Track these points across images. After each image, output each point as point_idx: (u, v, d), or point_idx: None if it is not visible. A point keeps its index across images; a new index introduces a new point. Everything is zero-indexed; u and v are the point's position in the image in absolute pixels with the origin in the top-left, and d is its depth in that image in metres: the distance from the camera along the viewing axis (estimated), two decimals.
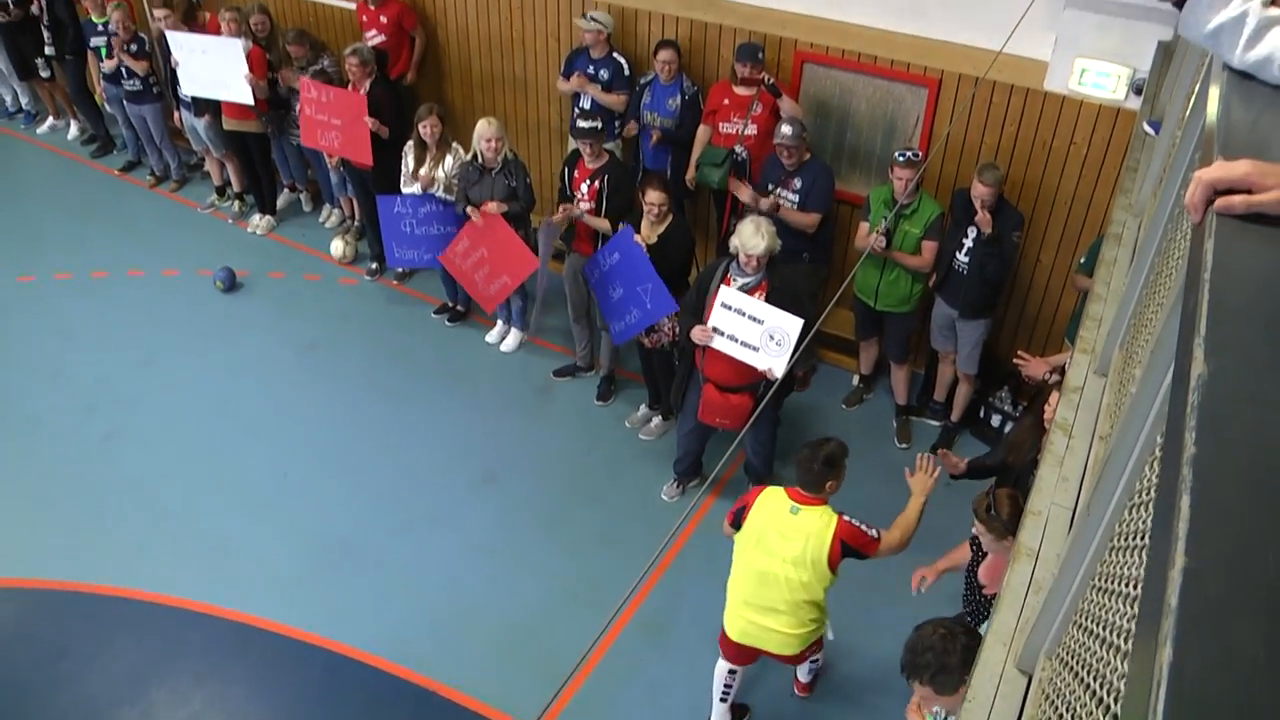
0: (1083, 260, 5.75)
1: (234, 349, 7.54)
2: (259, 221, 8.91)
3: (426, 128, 6.81)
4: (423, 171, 6.94)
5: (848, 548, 4.23)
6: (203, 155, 9.10)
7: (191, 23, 8.29)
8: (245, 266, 8.36)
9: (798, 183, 6.25)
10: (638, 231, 5.96)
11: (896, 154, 5.86)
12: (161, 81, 8.80)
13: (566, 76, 7.21)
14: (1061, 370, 4.52)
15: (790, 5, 6.61)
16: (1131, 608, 1.31)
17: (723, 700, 4.92)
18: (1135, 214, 4.19)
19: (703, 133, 6.83)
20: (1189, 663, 0.73)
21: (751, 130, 6.57)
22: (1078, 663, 1.73)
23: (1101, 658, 1.47)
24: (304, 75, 7.48)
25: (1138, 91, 5.51)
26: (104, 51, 8.66)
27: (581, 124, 6.27)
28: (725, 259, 5.49)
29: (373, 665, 5.31)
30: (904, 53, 6.28)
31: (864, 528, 4.24)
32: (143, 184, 9.60)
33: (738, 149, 6.59)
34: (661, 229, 5.97)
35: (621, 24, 7.19)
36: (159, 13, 8.07)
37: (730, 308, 5.27)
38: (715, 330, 5.32)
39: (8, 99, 10.71)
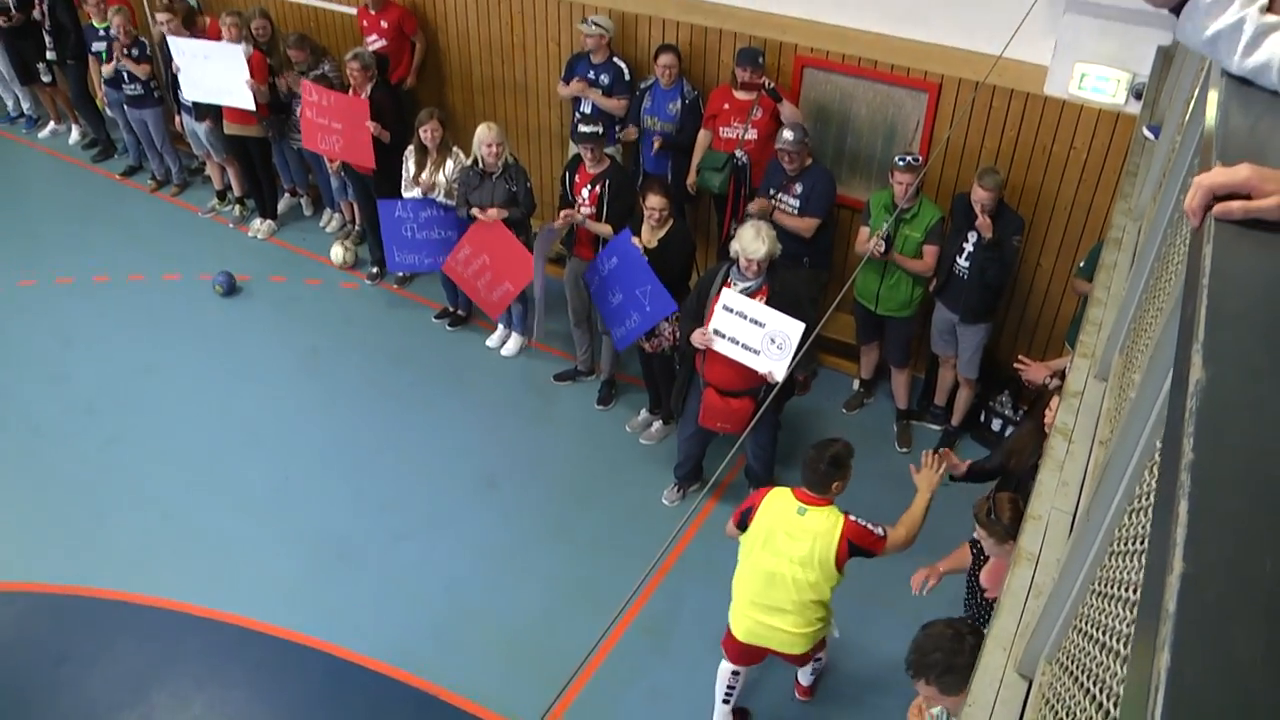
0: (1082, 264, 5.76)
1: (235, 353, 7.54)
2: (260, 226, 8.91)
3: (427, 132, 6.82)
4: (423, 176, 6.95)
5: (855, 547, 4.26)
6: (204, 159, 9.11)
7: (192, 27, 8.30)
8: (246, 271, 8.37)
9: (799, 188, 6.25)
10: (638, 236, 5.97)
11: (897, 158, 5.86)
12: (162, 86, 8.81)
13: (567, 81, 7.22)
14: (1062, 375, 4.53)
15: (791, 10, 6.62)
16: (1131, 612, 1.31)
17: (725, 702, 4.92)
18: (1135, 218, 4.20)
19: (703, 137, 6.84)
20: (1187, 668, 0.73)
21: (752, 135, 6.58)
22: (1078, 667, 1.73)
23: (1101, 662, 1.47)
24: (305, 79, 7.49)
25: (1138, 96, 5.51)
26: (105, 56, 8.67)
27: (583, 129, 6.28)
28: (726, 263, 5.50)
29: (373, 669, 5.31)
30: (904, 57, 6.29)
31: (870, 527, 4.27)
32: (144, 188, 9.61)
33: (738, 154, 6.60)
34: (662, 233, 5.97)
35: (622, 29, 7.20)
36: (161, 17, 8.08)
37: (732, 310, 5.27)
38: (716, 332, 5.33)
39: (9, 103, 10.72)
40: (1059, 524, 2.78)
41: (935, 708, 3.51)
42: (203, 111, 8.27)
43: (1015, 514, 3.71)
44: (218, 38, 7.91)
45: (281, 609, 5.59)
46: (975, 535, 4.09)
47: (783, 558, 4.32)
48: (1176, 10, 1.65)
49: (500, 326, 7.57)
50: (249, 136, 8.33)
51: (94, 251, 8.67)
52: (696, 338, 5.38)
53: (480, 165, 6.60)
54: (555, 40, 7.62)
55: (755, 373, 5.29)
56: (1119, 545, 1.62)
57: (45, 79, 9.91)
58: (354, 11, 8.28)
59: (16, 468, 6.56)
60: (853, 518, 4.28)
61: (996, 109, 6.09)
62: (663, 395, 6.56)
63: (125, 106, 8.95)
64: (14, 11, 9.37)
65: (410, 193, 7.08)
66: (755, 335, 5.23)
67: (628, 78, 7.04)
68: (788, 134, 6.11)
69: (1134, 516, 1.55)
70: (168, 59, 8.12)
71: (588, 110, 7.04)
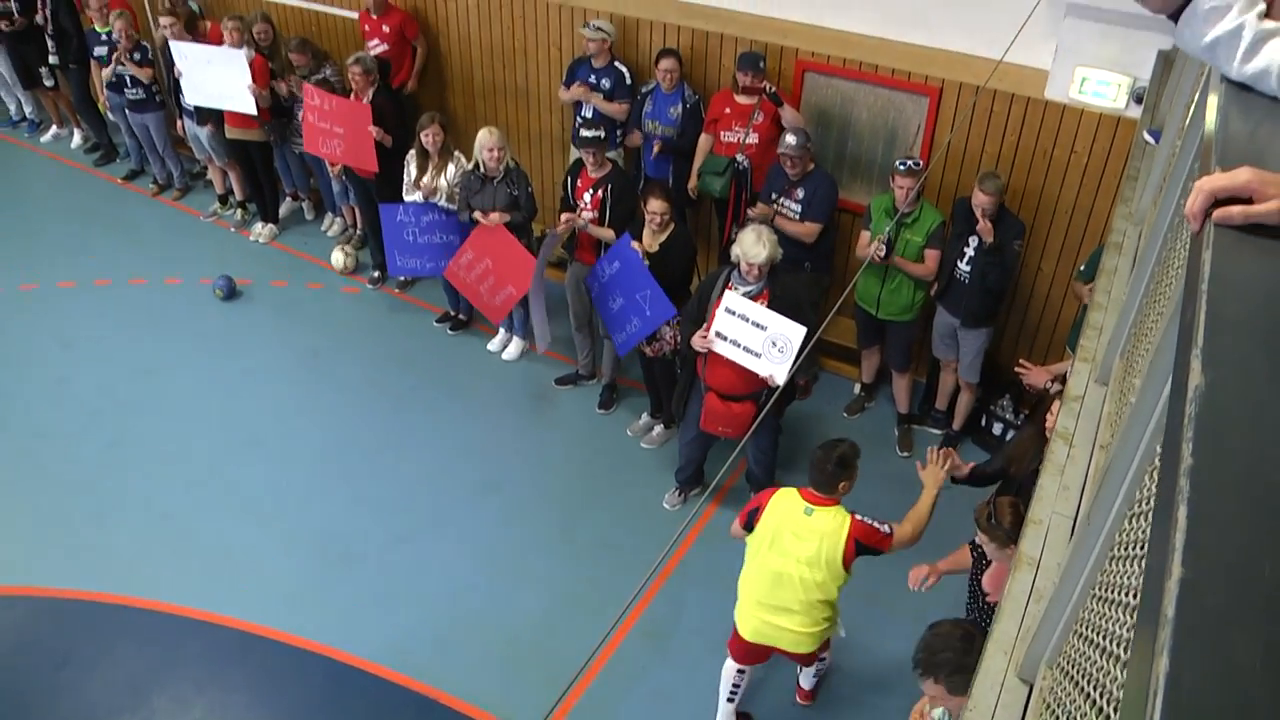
0: (1082, 268, 5.76)
1: (236, 357, 7.55)
2: (261, 230, 8.92)
3: (428, 136, 6.83)
4: (425, 180, 6.95)
5: (862, 546, 4.29)
6: (205, 164, 9.12)
7: (193, 32, 8.32)
8: (247, 275, 8.38)
9: (801, 193, 6.26)
10: (639, 241, 5.97)
11: (897, 163, 5.87)
12: (164, 90, 8.82)
13: (568, 86, 7.23)
14: (1063, 379, 4.53)
15: (791, 14, 6.64)
16: (1130, 617, 1.32)
17: (729, 700, 4.94)
18: (1136, 223, 4.20)
19: (704, 141, 6.84)
20: (1186, 673, 0.73)
21: (753, 139, 6.58)
22: (1078, 672, 1.73)
23: (1102, 667, 1.47)
24: (307, 82, 7.50)
25: (1138, 100, 5.52)
26: (106, 60, 8.68)
27: (585, 133, 6.28)
28: (727, 267, 5.50)
29: (374, 673, 5.31)
30: (905, 61, 6.30)
31: (876, 525, 4.30)
32: (145, 192, 9.62)
33: (739, 158, 6.61)
34: (663, 238, 5.98)
35: (623, 33, 7.21)
36: (164, 20, 8.09)
37: (734, 313, 5.28)
38: (718, 335, 5.33)
39: (11, 108, 10.74)
40: (1060, 528, 2.78)
41: (937, 709, 3.51)
42: (204, 116, 8.29)
43: (1016, 518, 3.71)
44: (219, 42, 7.92)
45: (282, 612, 5.59)
46: (977, 540, 4.09)
47: (790, 558, 4.35)
48: (1175, 16, 1.66)
49: (501, 331, 7.57)
50: (251, 141, 8.34)
51: (96, 255, 8.69)
52: (696, 341, 5.39)
53: (481, 170, 6.61)
54: (556, 45, 7.64)
55: (756, 377, 5.30)
56: (1119, 550, 1.62)
57: (48, 83, 9.93)
58: (355, 16, 8.30)
59: (17, 470, 6.56)
60: (859, 517, 4.31)
61: (997, 113, 6.10)
62: (664, 399, 6.57)
63: (127, 111, 8.96)
64: (17, 16, 9.39)
65: (411, 196, 7.09)
66: (757, 338, 5.23)
67: (629, 82, 7.05)
68: (790, 139, 6.11)
69: (1134, 521, 1.55)
70: (169, 63, 8.13)
71: (589, 115, 7.05)
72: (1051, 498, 2.89)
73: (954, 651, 3.15)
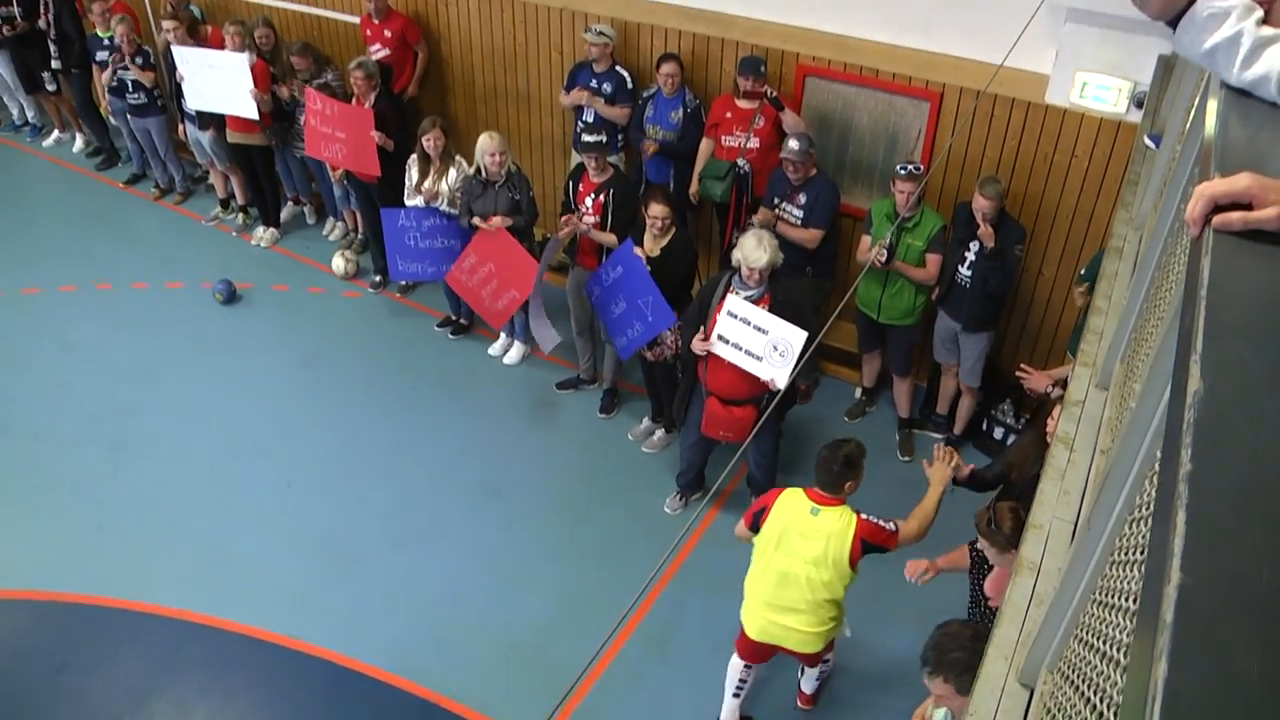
0: (1083, 272, 5.77)
1: (237, 361, 7.55)
2: (263, 234, 8.93)
3: (430, 141, 6.83)
4: (426, 184, 6.95)
5: (868, 545, 4.32)
6: (207, 168, 9.13)
7: (195, 36, 8.32)
8: (249, 279, 8.39)
9: (803, 198, 6.25)
10: (640, 245, 5.97)
11: (898, 167, 5.87)
12: (166, 95, 8.84)
13: (569, 90, 7.24)
14: (1064, 383, 4.53)
15: (792, 19, 6.64)
16: (1130, 622, 1.32)
17: (735, 696, 4.96)
18: (1136, 227, 4.20)
19: (705, 146, 6.85)
20: (1184, 678, 0.73)
21: (754, 144, 6.59)
22: (1079, 677, 1.73)
23: (1102, 672, 1.47)
24: (309, 86, 7.51)
25: (1139, 105, 5.52)
26: (108, 65, 8.70)
27: (586, 138, 6.29)
28: (728, 272, 5.51)
29: (375, 677, 5.31)
30: (906, 66, 6.30)
31: (882, 523, 4.33)
32: (147, 197, 9.63)
33: (740, 162, 6.61)
34: (664, 242, 5.98)
35: (624, 37, 7.22)
36: (167, 24, 8.10)
37: (736, 316, 5.29)
38: (720, 338, 5.34)
39: (14, 112, 10.76)
40: (1061, 533, 2.78)
41: (940, 710, 3.51)
42: (206, 120, 8.30)
43: (1016, 523, 3.72)
44: (220, 47, 7.94)
45: (283, 616, 5.60)
46: (978, 545, 4.10)
47: (796, 558, 4.37)
48: (1174, 23, 1.66)
49: (503, 335, 7.58)
50: (252, 145, 8.35)
51: (97, 259, 8.70)
52: (696, 344, 5.40)
53: (483, 174, 6.61)
54: (557, 49, 7.64)
55: (757, 381, 5.30)
56: (1120, 555, 1.62)
57: (50, 88, 9.94)
58: (357, 21, 8.31)
59: (18, 473, 6.57)
60: (865, 515, 4.34)
61: (998, 118, 6.10)
62: (665, 403, 6.57)
63: (129, 115, 8.98)
64: (19, 20, 9.41)
65: (413, 201, 7.10)
66: (759, 342, 5.24)
67: (630, 86, 7.06)
68: (793, 144, 6.11)
69: (1134, 526, 1.55)
70: (171, 67, 8.14)
71: (590, 119, 7.06)
72: (1052, 502, 2.89)
73: (965, 651, 3.15)
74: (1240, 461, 0.93)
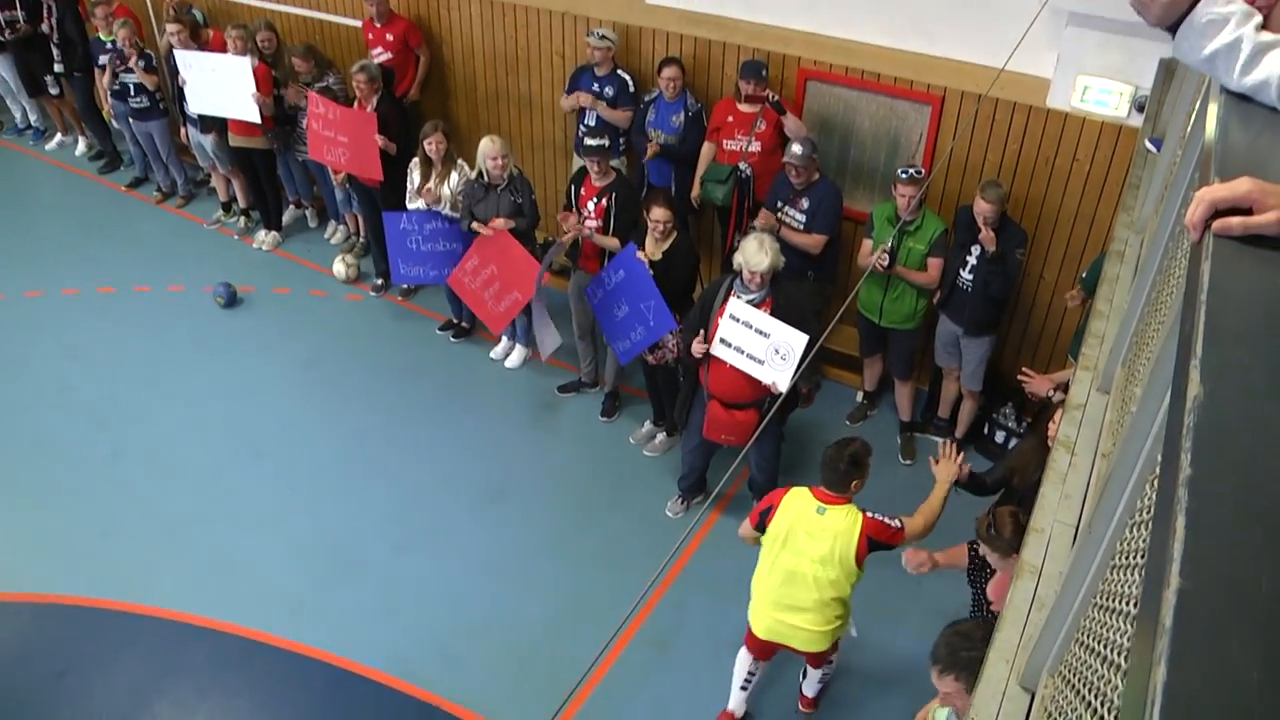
0: (1084, 276, 5.77)
1: (239, 364, 7.56)
2: (264, 237, 8.94)
3: (432, 144, 6.84)
4: (429, 185, 6.95)
5: (874, 542, 4.35)
6: (209, 171, 9.14)
7: (196, 40, 8.33)
8: (251, 282, 8.39)
9: (805, 202, 6.25)
10: (642, 248, 5.98)
11: (899, 171, 5.87)
12: (168, 98, 8.85)
13: (570, 94, 7.24)
14: (1065, 387, 4.53)
15: (794, 23, 6.65)
16: (1130, 626, 1.32)
17: (743, 689, 4.99)
18: (1137, 231, 4.20)
19: (707, 150, 6.85)
20: (1183, 683, 0.74)
21: (755, 147, 6.59)
22: (1080, 681, 1.73)
23: (1103, 676, 1.47)
24: (310, 90, 7.52)
25: (1140, 109, 5.52)
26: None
27: (589, 142, 6.29)
28: (729, 276, 5.51)
29: (377, 681, 5.31)
30: (907, 70, 6.31)
31: (887, 520, 4.35)
32: (149, 200, 9.65)
33: (742, 166, 6.62)
34: (666, 246, 5.99)
35: (626, 41, 7.23)
36: (171, 28, 8.11)
37: (738, 320, 5.29)
38: (722, 342, 5.34)
39: (17, 116, 10.77)
40: (1062, 537, 2.79)
41: (943, 710, 3.51)
42: (208, 124, 8.31)
43: (1016, 528, 3.72)
44: (222, 50, 7.95)
45: (284, 619, 5.60)
46: (980, 550, 4.10)
47: (803, 557, 4.40)
48: (1173, 29, 1.66)
49: (504, 338, 7.58)
50: (254, 148, 8.36)
51: (99, 263, 8.71)
52: (695, 346, 5.40)
53: (485, 178, 6.61)
54: (559, 53, 7.65)
55: (759, 385, 5.30)
56: (1120, 559, 1.62)
57: (53, 91, 9.96)
58: (359, 24, 8.32)
59: (21, 478, 6.57)
60: (870, 513, 4.37)
61: (999, 121, 6.11)
62: (666, 407, 6.57)
63: (131, 119, 8.99)
64: (22, 23, 9.43)
65: (414, 204, 7.10)
66: (760, 345, 5.24)
67: (632, 90, 7.06)
68: (796, 148, 6.11)
69: (1135, 530, 1.55)
70: (174, 71, 8.15)
71: (592, 123, 7.07)
72: (1054, 506, 2.89)
73: (977, 650, 3.15)
74: (1240, 466, 0.93)
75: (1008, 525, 3.79)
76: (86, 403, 7.18)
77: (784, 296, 5.35)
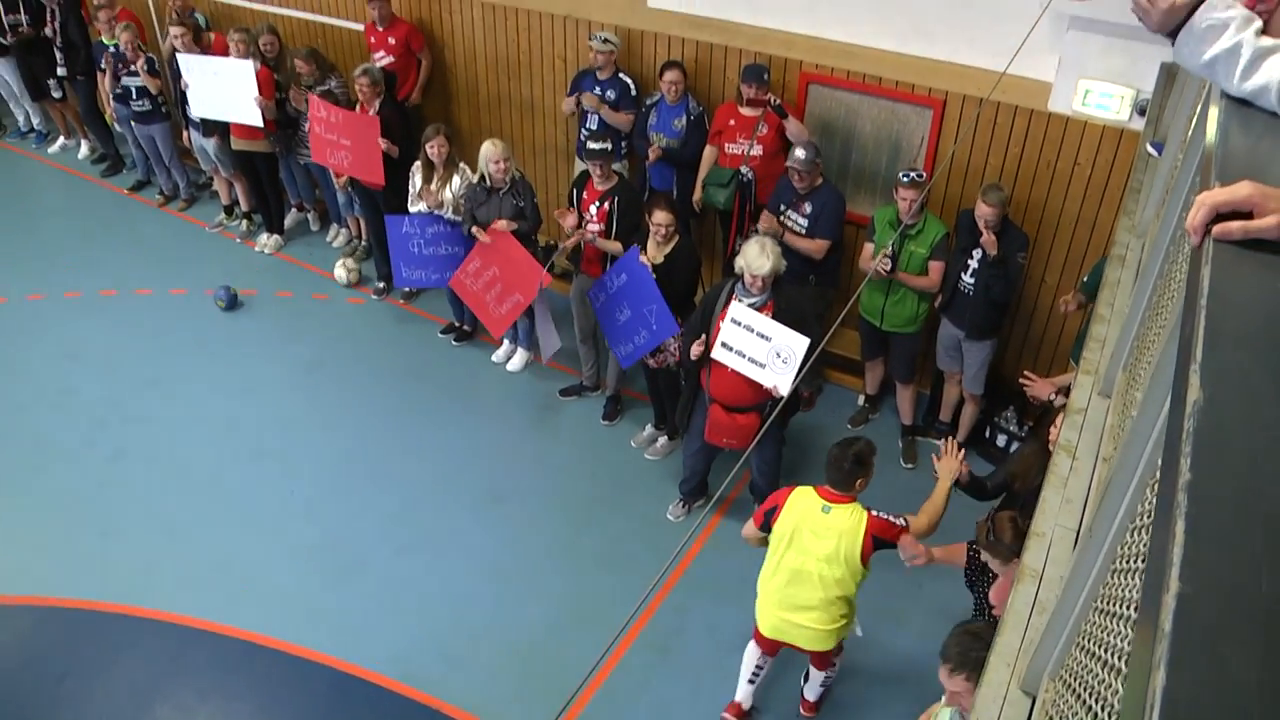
0: (1085, 280, 5.77)
1: (240, 367, 7.56)
2: (267, 240, 8.95)
3: (433, 148, 6.84)
4: (431, 188, 6.96)
5: (879, 541, 4.37)
6: (211, 175, 9.15)
7: (198, 44, 8.34)
8: (253, 285, 8.40)
9: (808, 207, 6.25)
10: (644, 252, 5.98)
11: (901, 175, 5.87)
12: (170, 101, 8.87)
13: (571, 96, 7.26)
14: (1067, 391, 4.53)
15: (795, 26, 6.65)
16: (1130, 630, 1.32)
17: (750, 682, 5.01)
18: (1138, 235, 4.20)
19: (709, 153, 6.86)
20: (1182, 687, 0.74)
21: (757, 151, 6.60)
22: (1080, 685, 1.73)
23: (1103, 680, 1.47)
24: (311, 93, 7.53)
25: (1141, 112, 5.52)
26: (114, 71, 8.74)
27: (592, 145, 6.29)
28: (731, 280, 5.51)
29: (378, 684, 5.31)
30: (909, 73, 6.31)
31: (891, 519, 4.38)
32: (151, 203, 9.66)
33: (743, 170, 6.62)
34: (668, 249, 5.99)
35: (628, 45, 7.24)
36: (174, 30, 8.13)
37: (740, 324, 5.30)
38: (723, 345, 5.35)
39: (20, 119, 10.80)
40: (1063, 541, 2.79)
41: (946, 711, 3.51)
42: (210, 127, 8.32)
43: (1016, 533, 3.72)
44: (224, 53, 7.96)
45: (286, 622, 5.60)
46: (981, 555, 4.10)
47: (809, 555, 4.42)
48: (1174, 35, 1.66)
49: (505, 342, 7.58)
50: (256, 152, 8.37)
51: (101, 266, 8.72)
52: (694, 349, 5.41)
53: (487, 181, 6.62)
54: (561, 57, 7.66)
55: (760, 388, 5.31)
56: (1121, 563, 1.62)
57: (56, 95, 9.98)
58: (361, 28, 8.33)
59: (22, 480, 6.57)
60: (875, 512, 4.39)
61: (1001, 125, 6.11)
62: (668, 411, 6.57)
63: (133, 122, 9.00)
64: (25, 27, 9.45)
65: (415, 207, 7.11)
66: (762, 349, 5.25)
67: (634, 93, 7.07)
68: (800, 153, 6.11)
69: (1135, 535, 1.55)
70: (176, 74, 8.17)
71: (594, 127, 7.07)
72: (1055, 510, 2.89)
73: (989, 651, 3.17)
74: (1240, 471, 0.94)
75: (1007, 531, 3.79)
76: (88, 405, 7.18)
77: (785, 300, 5.36)
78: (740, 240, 6.37)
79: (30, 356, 7.71)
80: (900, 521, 4.37)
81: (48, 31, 9.41)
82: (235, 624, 5.60)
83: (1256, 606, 0.80)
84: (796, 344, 5.15)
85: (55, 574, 5.90)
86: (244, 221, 9.16)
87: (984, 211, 5.63)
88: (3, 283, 8.47)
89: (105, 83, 8.91)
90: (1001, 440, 6.60)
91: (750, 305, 5.32)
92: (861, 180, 6.92)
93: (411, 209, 7.14)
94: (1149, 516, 1.42)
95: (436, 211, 7.00)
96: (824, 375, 7.13)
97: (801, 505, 4.47)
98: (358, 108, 7.39)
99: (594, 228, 6.39)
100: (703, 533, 6.13)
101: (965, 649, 3.22)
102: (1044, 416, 5.11)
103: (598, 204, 6.37)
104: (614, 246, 6.31)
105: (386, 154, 7.25)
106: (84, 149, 10.46)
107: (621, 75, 7.09)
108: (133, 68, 8.47)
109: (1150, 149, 4.70)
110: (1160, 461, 1.23)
